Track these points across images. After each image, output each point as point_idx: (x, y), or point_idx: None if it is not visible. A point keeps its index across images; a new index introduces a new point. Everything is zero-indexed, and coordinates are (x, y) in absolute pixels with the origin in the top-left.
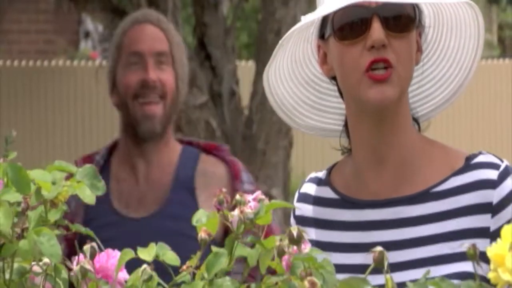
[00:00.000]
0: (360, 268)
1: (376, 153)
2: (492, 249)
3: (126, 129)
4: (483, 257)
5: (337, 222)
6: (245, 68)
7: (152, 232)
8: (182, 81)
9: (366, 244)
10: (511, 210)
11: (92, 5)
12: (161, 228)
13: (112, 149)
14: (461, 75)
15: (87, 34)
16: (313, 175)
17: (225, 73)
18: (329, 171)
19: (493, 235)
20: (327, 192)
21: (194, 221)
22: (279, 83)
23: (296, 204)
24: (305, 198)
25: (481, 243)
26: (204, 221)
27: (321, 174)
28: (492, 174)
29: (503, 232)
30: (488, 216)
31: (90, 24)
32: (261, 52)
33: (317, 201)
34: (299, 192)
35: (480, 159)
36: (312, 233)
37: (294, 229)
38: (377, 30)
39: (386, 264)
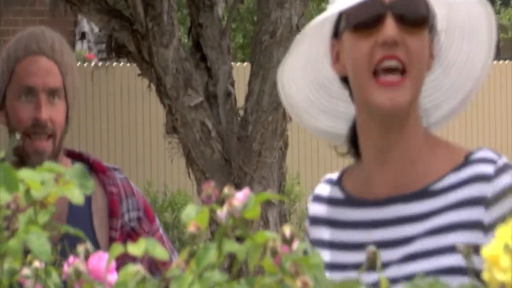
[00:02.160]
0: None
1: (382, 154)
2: (487, 250)
3: (15, 154)
4: (476, 250)
5: (345, 221)
6: (240, 69)
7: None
8: (72, 109)
9: (368, 243)
10: (506, 205)
11: (88, 7)
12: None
13: None
14: (469, 84)
15: (83, 35)
16: (327, 176)
17: (220, 74)
18: (342, 172)
19: (487, 228)
20: (336, 192)
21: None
22: (291, 84)
23: (310, 205)
24: (317, 198)
25: (475, 236)
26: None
27: (335, 175)
28: (489, 169)
29: (498, 232)
30: (482, 209)
31: (86, 25)
32: (256, 53)
33: (327, 200)
34: (313, 194)
35: (478, 155)
36: (325, 233)
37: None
38: (390, 26)
39: (378, 263)
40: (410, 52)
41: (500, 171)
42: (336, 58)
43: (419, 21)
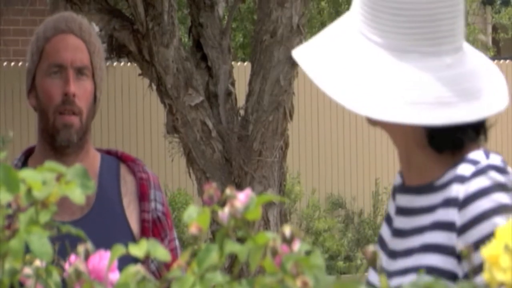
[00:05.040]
0: (395, 255)
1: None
2: (487, 250)
3: (44, 136)
4: (450, 250)
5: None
6: (241, 68)
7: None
8: (100, 90)
9: (396, 229)
10: (474, 208)
11: (88, 6)
12: (88, 232)
13: (28, 153)
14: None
15: None
16: None
17: (221, 74)
18: None
19: (460, 231)
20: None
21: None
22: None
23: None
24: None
25: (448, 236)
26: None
27: None
28: (467, 170)
29: (498, 232)
30: (456, 211)
31: None
32: (257, 53)
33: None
34: None
35: (471, 154)
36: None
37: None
38: None
39: (378, 263)
40: None
41: (476, 173)
42: None
43: None
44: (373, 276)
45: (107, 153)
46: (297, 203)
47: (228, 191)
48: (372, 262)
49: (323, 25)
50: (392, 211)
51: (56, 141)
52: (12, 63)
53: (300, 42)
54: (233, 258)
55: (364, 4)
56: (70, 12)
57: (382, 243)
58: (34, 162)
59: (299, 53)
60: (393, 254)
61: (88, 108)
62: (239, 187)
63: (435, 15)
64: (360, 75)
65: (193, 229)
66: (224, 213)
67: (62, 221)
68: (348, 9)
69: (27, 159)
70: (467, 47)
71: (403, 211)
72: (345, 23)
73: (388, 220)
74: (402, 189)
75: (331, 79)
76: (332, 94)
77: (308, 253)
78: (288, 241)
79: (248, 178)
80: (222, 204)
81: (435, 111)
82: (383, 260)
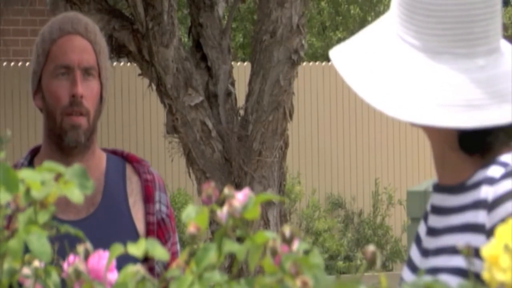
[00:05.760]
0: (427, 253)
1: None
2: (487, 250)
3: (51, 137)
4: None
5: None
6: (241, 68)
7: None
8: (106, 90)
9: (430, 228)
10: (503, 210)
11: (88, 6)
12: (94, 231)
13: (34, 153)
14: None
15: None
16: None
17: (220, 74)
18: None
19: (489, 233)
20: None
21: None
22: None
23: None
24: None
25: (477, 238)
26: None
27: None
28: (497, 172)
29: (498, 232)
30: (485, 213)
31: None
32: (257, 53)
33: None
34: None
35: (502, 156)
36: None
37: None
38: None
39: (378, 263)
40: None
41: (506, 175)
42: None
43: None
44: (406, 274)
45: (113, 153)
46: (297, 203)
47: (226, 190)
48: (372, 262)
49: (323, 25)
50: (428, 209)
51: (63, 142)
52: (12, 63)
53: (300, 42)
54: (233, 257)
55: (400, 5)
56: (75, 12)
57: (418, 241)
58: (40, 162)
59: (335, 54)
60: (426, 253)
61: (95, 109)
62: (239, 187)
63: (467, 16)
64: (392, 76)
65: (191, 229)
66: (222, 212)
67: (68, 220)
68: (347, 9)
69: (33, 158)
70: (507, 48)
71: (436, 210)
72: (384, 23)
73: (425, 217)
74: (437, 187)
75: (363, 80)
76: (363, 95)
77: (306, 252)
78: (288, 241)
79: (248, 178)
80: (222, 203)
81: (466, 113)
82: (417, 258)
